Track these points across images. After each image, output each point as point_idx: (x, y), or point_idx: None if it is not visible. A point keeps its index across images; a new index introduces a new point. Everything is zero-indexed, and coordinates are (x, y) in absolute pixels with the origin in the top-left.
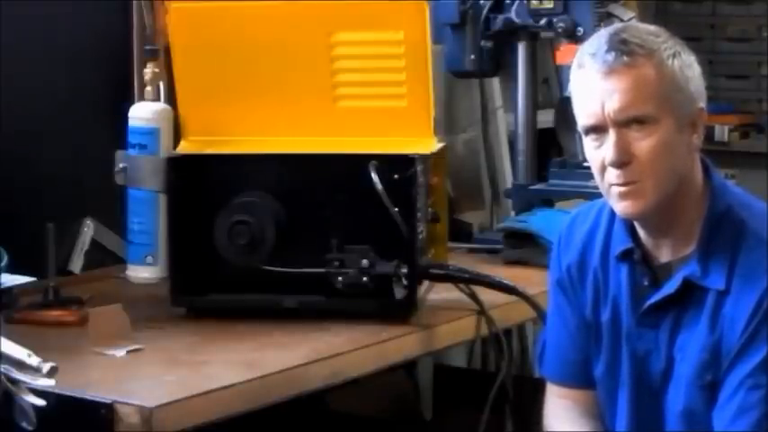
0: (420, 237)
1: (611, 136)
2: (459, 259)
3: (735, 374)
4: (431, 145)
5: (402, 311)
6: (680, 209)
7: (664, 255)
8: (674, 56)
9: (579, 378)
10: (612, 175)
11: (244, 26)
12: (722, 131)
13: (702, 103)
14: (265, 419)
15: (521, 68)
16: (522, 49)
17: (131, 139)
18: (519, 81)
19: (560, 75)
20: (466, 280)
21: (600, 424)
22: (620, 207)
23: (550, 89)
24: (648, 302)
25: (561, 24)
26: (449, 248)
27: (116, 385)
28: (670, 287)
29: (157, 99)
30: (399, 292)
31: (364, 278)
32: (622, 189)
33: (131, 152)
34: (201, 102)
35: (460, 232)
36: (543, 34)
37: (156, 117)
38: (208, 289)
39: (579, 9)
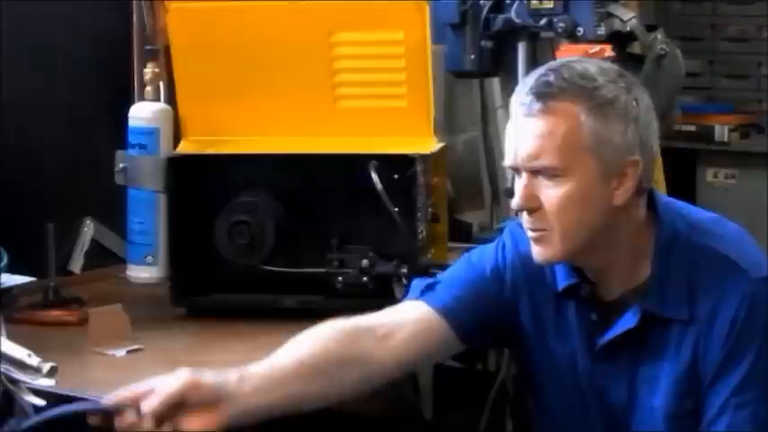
0: (420, 237)
1: (522, 180)
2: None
3: (718, 396)
4: (431, 145)
5: None
6: (615, 254)
7: (614, 289)
8: (606, 103)
9: (450, 307)
10: (523, 218)
11: (244, 26)
12: (722, 131)
13: (637, 155)
14: (265, 419)
15: (521, 68)
16: (522, 49)
17: (131, 139)
18: (519, 81)
19: None
20: None
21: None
22: (533, 252)
23: None
24: (605, 339)
25: (561, 24)
26: (449, 248)
27: (116, 385)
28: (627, 322)
29: (157, 99)
30: (399, 292)
31: (364, 278)
32: (531, 234)
33: (131, 152)
34: (201, 102)
35: (460, 232)
36: (543, 34)
37: (156, 117)
38: (208, 289)
39: (579, 9)
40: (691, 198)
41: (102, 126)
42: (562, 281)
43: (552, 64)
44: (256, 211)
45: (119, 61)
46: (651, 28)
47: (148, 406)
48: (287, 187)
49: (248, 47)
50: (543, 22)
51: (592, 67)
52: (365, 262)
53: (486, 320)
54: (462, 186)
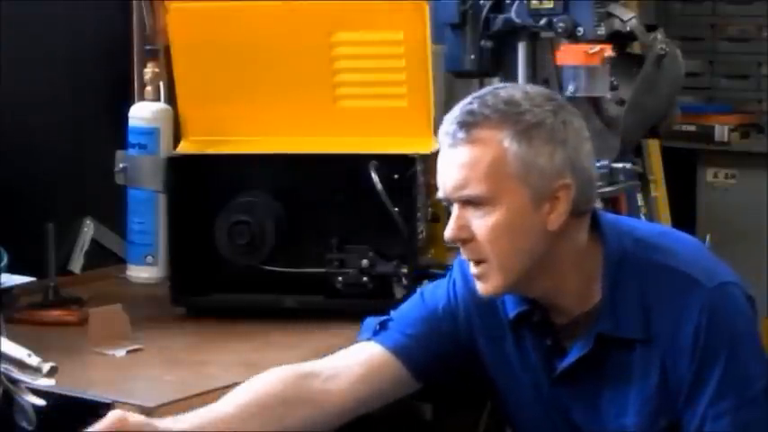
0: (420, 237)
1: (453, 211)
2: None
3: (695, 410)
4: (431, 145)
5: None
6: (559, 278)
7: (566, 313)
8: (531, 127)
9: (402, 346)
10: (462, 250)
11: (244, 26)
12: (722, 131)
13: (567, 179)
14: None
15: (521, 68)
16: (522, 49)
17: (131, 139)
18: (519, 81)
19: (560, 75)
20: None
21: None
22: (477, 287)
23: (550, 89)
24: (563, 365)
25: (561, 24)
26: (449, 248)
27: (116, 385)
28: (583, 347)
29: (157, 99)
30: (399, 292)
31: (364, 278)
32: (473, 269)
33: (131, 152)
34: (201, 102)
35: None
36: (543, 34)
37: (156, 117)
38: (208, 289)
39: (579, 9)
40: (691, 198)
41: (102, 126)
42: (512, 309)
43: (478, 92)
44: (256, 211)
45: (119, 61)
46: (651, 28)
47: None
48: (287, 187)
49: (248, 47)
50: (543, 22)
51: (517, 92)
52: (365, 262)
53: (442, 357)
54: None
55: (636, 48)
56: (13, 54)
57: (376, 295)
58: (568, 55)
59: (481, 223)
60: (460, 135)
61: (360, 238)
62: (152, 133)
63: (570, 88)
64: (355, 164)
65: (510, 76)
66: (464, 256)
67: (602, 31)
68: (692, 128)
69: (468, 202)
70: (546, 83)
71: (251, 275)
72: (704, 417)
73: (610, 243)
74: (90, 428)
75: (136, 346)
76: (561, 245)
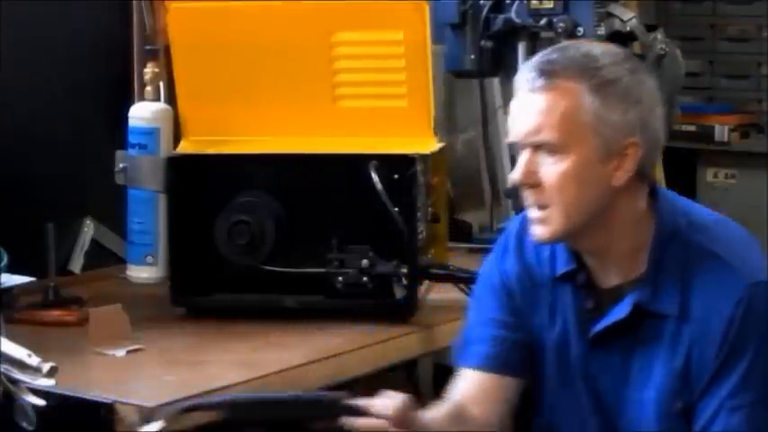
0: (420, 237)
1: (523, 156)
2: (459, 259)
3: (712, 398)
4: (431, 145)
5: (402, 311)
6: (614, 236)
7: (611, 278)
8: (608, 83)
9: (510, 358)
10: (525, 194)
11: (244, 26)
12: (722, 131)
13: (636, 137)
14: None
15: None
16: (522, 49)
17: (131, 139)
18: None
19: None
20: (466, 280)
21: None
22: (532, 232)
23: None
24: (597, 328)
25: (561, 24)
26: (449, 248)
27: (116, 385)
28: (619, 312)
29: (157, 99)
30: (399, 292)
31: (364, 278)
32: (533, 214)
33: (131, 152)
34: (201, 102)
35: (460, 232)
36: (543, 34)
37: (156, 117)
38: (208, 289)
39: (579, 9)
40: (691, 198)
41: (102, 126)
42: (561, 266)
43: (559, 45)
44: (256, 211)
45: (119, 61)
46: (651, 28)
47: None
48: (287, 187)
49: (248, 47)
50: (543, 22)
51: (597, 48)
52: (365, 262)
53: (520, 342)
54: (462, 186)
55: (636, 48)
56: (13, 54)
57: (376, 295)
58: None
59: (550, 170)
60: (539, 82)
61: (360, 238)
62: (152, 133)
63: None
64: (355, 164)
65: (510, 76)
66: (528, 200)
67: (602, 31)
68: (692, 128)
69: (540, 148)
70: None
71: (251, 275)
72: (720, 407)
73: (664, 218)
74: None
75: (136, 346)
76: (621, 203)
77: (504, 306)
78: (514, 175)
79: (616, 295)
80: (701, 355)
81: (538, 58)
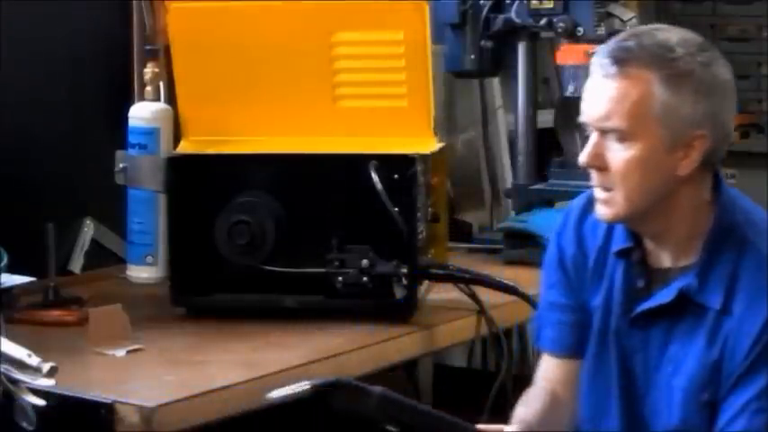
0: (420, 237)
1: (592, 138)
2: (460, 259)
3: (737, 398)
4: (431, 145)
5: (402, 311)
6: (673, 222)
7: (664, 260)
8: (680, 75)
9: (571, 342)
10: (592, 175)
11: (244, 26)
12: None
13: (704, 130)
14: (265, 419)
15: (521, 68)
16: (522, 49)
17: (131, 139)
18: (519, 81)
19: (560, 75)
20: (466, 280)
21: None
22: (596, 210)
23: (550, 89)
24: (641, 308)
25: (561, 24)
26: (449, 248)
27: (116, 385)
28: (664, 296)
29: (157, 99)
30: (399, 292)
31: (364, 278)
32: (598, 194)
33: (131, 152)
34: (201, 102)
35: (460, 232)
36: (543, 34)
37: (156, 117)
38: (208, 289)
39: (579, 9)
40: None
41: (102, 126)
42: (618, 243)
43: (636, 30)
44: (256, 211)
45: (119, 61)
46: None
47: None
48: (287, 187)
49: (248, 47)
50: (543, 22)
51: (675, 37)
52: (365, 262)
53: (579, 322)
54: (462, 186)
55: None
56: (13, 54)
57: (376, 295)
58: (568, 55)
59: (617, 155)
60: (612, 69)
61: (360, 238)
62: (152, 133)
63: (570, 88)
64: (355, 164)
65: (510, 76)
66: (594, 181)
67: (602, 31)
68: None
69: (608, 133)
70: (546, 83)
71: (251, 275)
72: (744, 407)
73: (724, 212)
74: None
75: (136, 346)
76: (684, 192)
77: (563, 286)
78: (582, 157)
79: (665, 278)
80: (733, 352)
81: (614, 42)
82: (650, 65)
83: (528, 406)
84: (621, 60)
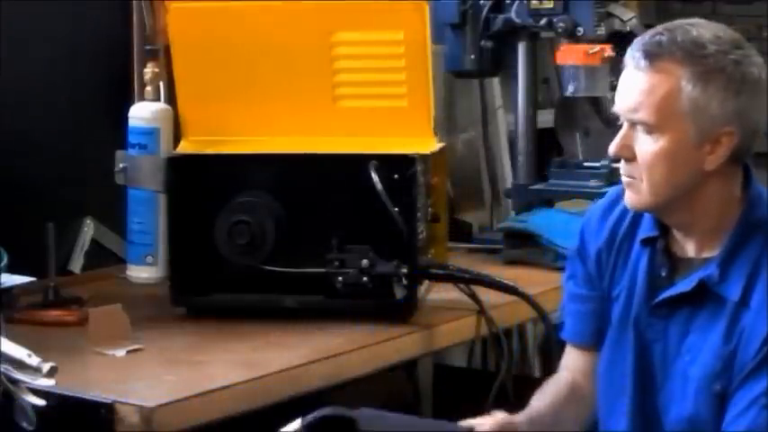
0: (420, 237)
1: (622, 129)
2: (460, 259)
3: (747, 391)
4: (431, 145)
5: (402, 311)
6: (699, 214)
7: (689, 250)
8: (711, 72)
9: (590, 331)
10: (621, 164)
11: (244, 26)
12: None
13: (732, 127)
14: (265, 419)
15: (521, 68)
16: (522, 49)
17: (131, 139)
18: (519, 81)
19: (560, 75)
20: (466, 280)
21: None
22: (625, 198)
23: (550, 89)
24: (662, 296)
25: (561, 24)
26: (449, 248)
27: (116, 385)
28: (685, 285)
29: (157, 99)
30: (399, 292)
31: (364, 278)
32: (625, 180)
33: (131, 152)
34: (201, 102)
35: (460, 232)
36: (543, 34)
37: (156, 117)
38: (208, 289)
39: (579, 9)
40: None
41: (102, 126)
42: (645, 231)
43: (670, 24)
44: (256, 211)
45: (119, 61)
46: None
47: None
48: (287, 187)
49: (248, 47)
50: (543, 22)
51: (708, 33)
52: (365, 262)
53: (598, 312)
54: (462, 186)
55: None
56: (13, 54)
57: (376, 295)
58: (568, 55)
59: (645, 148)
60: (643, 63)
61: (360, 238)
62: (152, 133)
63: (570, 88)
64: (355, 164)
65: (510, 76)
66: (621, 170)
67: (602, 31)
68: None
69: (636, 125)
70: (546, 83)
71: (251, 275)
72: (755, 401)
73: (752, 206)
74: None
75: (136, 346)
76: (711, 186)
77: (581, 277)
78: (611, 147)
79: (688, 268)
80: (747, 345)
81: (647, 36)
82: (681, 60)
83: (542, 394)
84: (653, 55)
